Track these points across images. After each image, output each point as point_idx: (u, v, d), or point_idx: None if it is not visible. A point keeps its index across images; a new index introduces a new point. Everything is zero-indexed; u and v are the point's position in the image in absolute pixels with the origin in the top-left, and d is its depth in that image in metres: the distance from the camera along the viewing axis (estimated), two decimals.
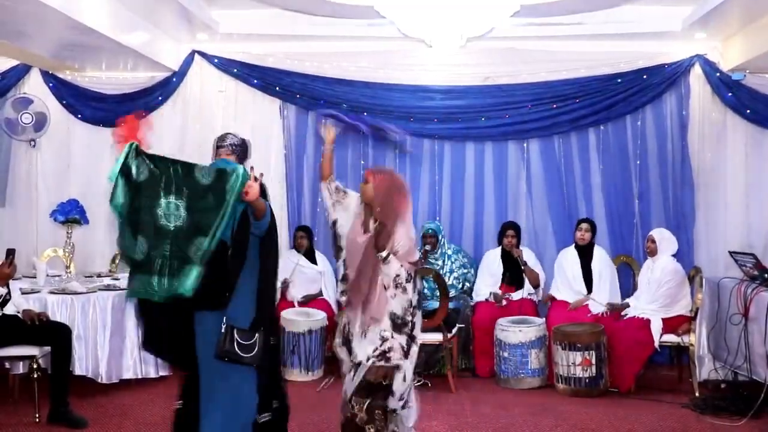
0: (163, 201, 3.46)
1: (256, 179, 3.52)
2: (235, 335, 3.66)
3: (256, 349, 3.72)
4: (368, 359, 3.94)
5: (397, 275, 3.95)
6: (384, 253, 3.93)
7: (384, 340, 3.95)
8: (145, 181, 3.48)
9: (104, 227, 6.89)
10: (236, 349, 3.67)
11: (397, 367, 3.97)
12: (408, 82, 6.97)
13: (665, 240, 6.11)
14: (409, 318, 4.01)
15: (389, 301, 3.96)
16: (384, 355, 3.94)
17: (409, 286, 4.01)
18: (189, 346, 3.80)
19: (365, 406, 3.96)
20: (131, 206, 3.49)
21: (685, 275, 6.08)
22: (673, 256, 6.13)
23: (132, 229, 3.49)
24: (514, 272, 6.62)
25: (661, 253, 6.05)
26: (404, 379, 4.02)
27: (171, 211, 3.46)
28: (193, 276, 3.42)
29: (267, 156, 7.06)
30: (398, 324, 3.96)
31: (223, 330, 3.66)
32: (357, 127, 4.58)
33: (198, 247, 3.42)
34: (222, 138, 4.08)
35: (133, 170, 3.48)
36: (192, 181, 3.47)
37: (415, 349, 4.09)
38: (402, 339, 3.98)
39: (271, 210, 3.78)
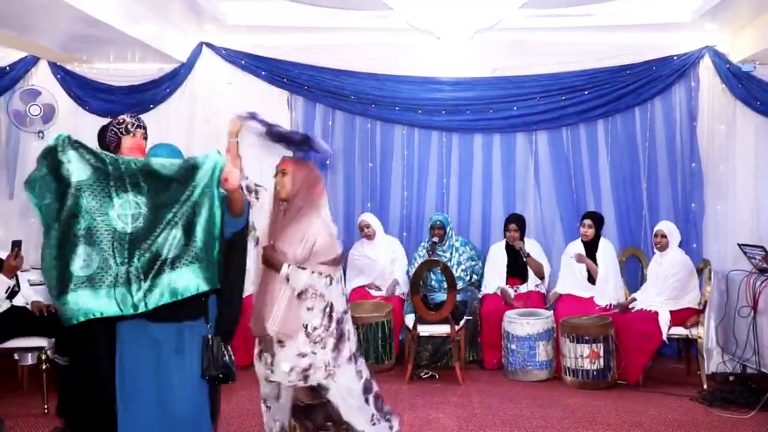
0: (116, 201, 2.98)
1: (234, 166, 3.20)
2: (225, 348, 3.28)
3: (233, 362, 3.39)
4: (287, 379, 3.66)
5: (310, 285, 3.61)
6: (284, 271, 3.60)
7: (303, 356, 3.63)
8: (87, 180, 2.96)
9: None
10: (230, 363, 3.29)
11: (320, 386, 3.67)
12: (416, 74, 6.95)
13: (673, 233, 6.10)
14: (333, 327, 3.67)
15: (303, 314, 3.62)
16: (304, 374, 3.64)
17: (333, 290, 3.67)
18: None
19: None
20: (67, 210, 2.93)
21: (693, 267, 6.06)
22: (678, 247, 6.13)
23: (71, 239, 2.93)
24: (518, 265, 6.62)
25: (671, 246, 6.04)
26: (348, 397, 3.72)
27: (128, 210, 2.99)
28: (188, 275, 2.99)
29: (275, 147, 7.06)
30: (316, 338, 3.63)
31: (212, 342, 3.26)
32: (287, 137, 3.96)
33: (174, 245, 2.98)
34: (122, 121, 3.71)
35: (66, 166, 2.95)
36: (151, 174, 3.05)
37: (348, 365, 3.74)
38: (325, 355, 3.65)
39: (248, 208, 3.52)
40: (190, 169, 3.06)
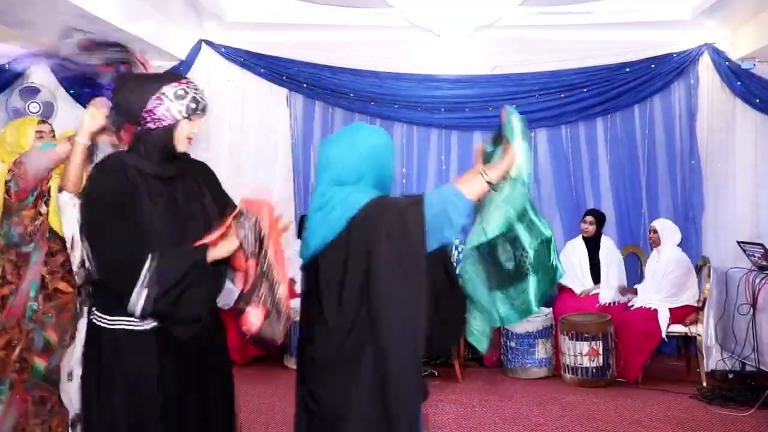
0: None
1: None
2: None
3: None
4: None
5: None
6: None
7: None
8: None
9: None
10: None
11: None
12: (416, 72, 6.94)
13: (667, 230, 6.10)
14: None
15: None
16: None
17: None
18: None
19: None
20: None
21: (690, 264, 6.07)
22: (678, 245, 6.13)
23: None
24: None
25: (664, 243, 6.04)
26: None
27: None
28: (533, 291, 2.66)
29: (274, 145, 7.08)
30: None
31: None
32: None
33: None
34: (183, 93, 2.50)
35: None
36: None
37: None
38: None
39: None
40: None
